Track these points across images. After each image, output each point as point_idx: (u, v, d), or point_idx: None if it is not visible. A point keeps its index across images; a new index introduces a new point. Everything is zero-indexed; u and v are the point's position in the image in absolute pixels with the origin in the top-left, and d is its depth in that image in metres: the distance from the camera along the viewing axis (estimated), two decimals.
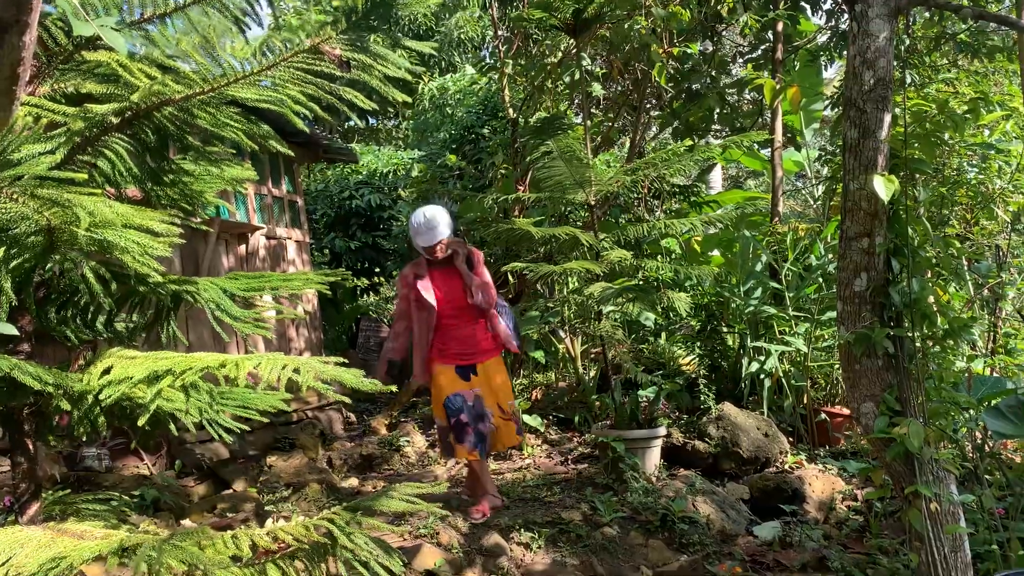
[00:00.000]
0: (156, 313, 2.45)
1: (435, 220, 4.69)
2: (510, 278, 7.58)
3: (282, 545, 2.15)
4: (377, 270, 11.68)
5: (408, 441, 6.77)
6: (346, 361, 1.65)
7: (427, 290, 4.75)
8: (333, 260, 10.91)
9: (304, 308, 7.95)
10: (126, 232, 1.70)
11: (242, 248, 7.13)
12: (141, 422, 1.82)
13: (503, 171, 9.04)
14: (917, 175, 3.82)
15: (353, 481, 6.01)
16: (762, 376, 6.88)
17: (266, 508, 5.10)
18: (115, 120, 2.10)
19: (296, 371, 1.56)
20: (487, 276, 4.90)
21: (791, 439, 6.55)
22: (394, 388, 1.87)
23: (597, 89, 9.39)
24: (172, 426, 2.11)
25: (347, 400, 1.94)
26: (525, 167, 7.64)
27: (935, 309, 3.66)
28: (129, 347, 2.24)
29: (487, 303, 4.81)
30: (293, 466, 6.15)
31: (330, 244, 10.89)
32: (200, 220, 6.34)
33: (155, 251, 1.77)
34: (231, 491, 5.50)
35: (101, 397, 1.83)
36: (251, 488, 5.60)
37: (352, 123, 16.81)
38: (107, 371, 1.90)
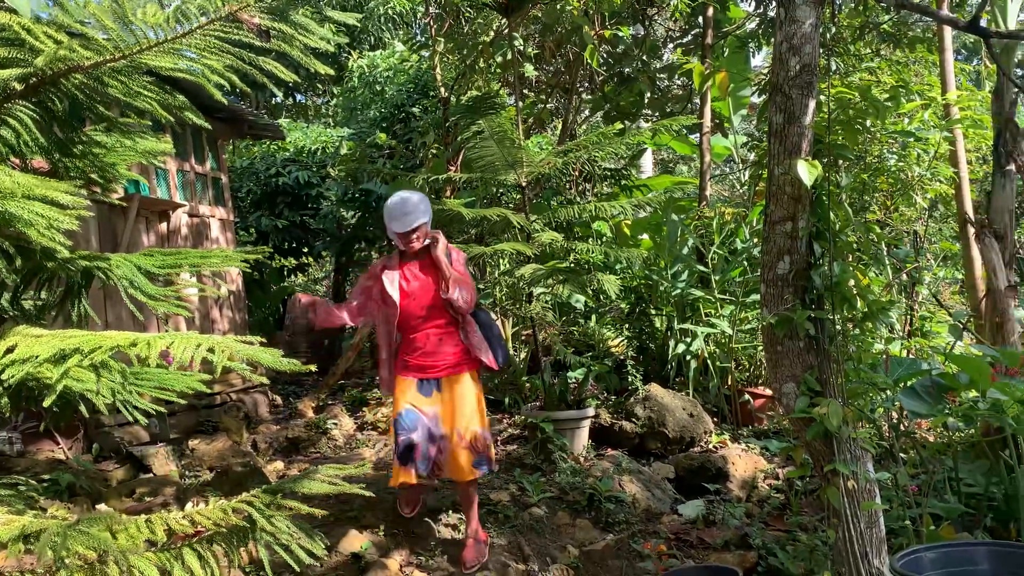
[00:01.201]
0: (66, 290, 2.35)
1: (412, 203, 4.06)
2: None
3: (200, 530, 2.10)
4: (305, 250, 11.48)
5: (336, 424, 6.69)
6: (264, 340, 1.61)
7: (391, 283, 4.11)
8: (259, 239, 10.68)
9: (228, 288, 7.77)
10: (29, 204, 1.61)
11: (163, 226, 6.92)
12: (48, 403, 1.74)
13: (434, 151, 8.97)
14: (840, 161, 3.91)
15: (278, 464, 5.92)
16: (688, 358, 7.00)
17: (187, 492, 4.99)
18: (19, 87, 2.00)
19: (211, 351, 1.51)
20: (468, 275, 4.23)
21: (716, 419, 6.69)
22: (313, 368, 1.83)
23: (530, 70, 9.38)
24: (84, 408, 2.03)
25: (266, 381, 1.89)
26: (456, 147, 7.58)
27: (855, 292, 3.75)
28: (37, 326, 2.15)
29: (465, 301, 4.07)
30: (216, 449, 6.03)
31: (256, 223, 10.65)
32: (118, 196, 6.16)
33: (61, 224, 1.69)
34: (151, 475, 5.37)
35: (4, 377, 1.74)
36: (172, 472, 5.46)
37: (279, 99, 16.46)
38: (11, 350, 1.81)
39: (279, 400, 7.90)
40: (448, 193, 7.73)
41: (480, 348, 4.19)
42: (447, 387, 4.14)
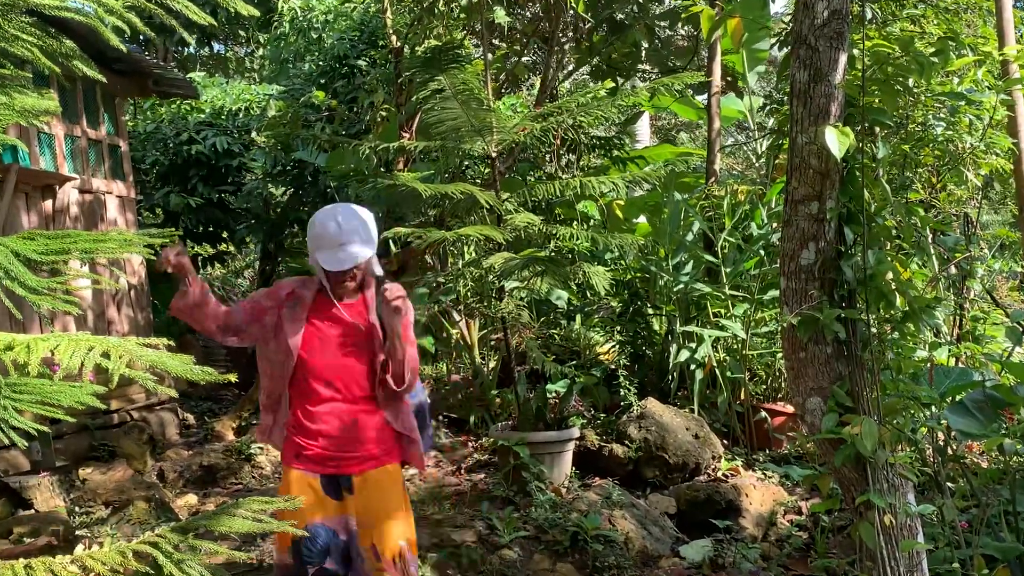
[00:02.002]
0: None
1: (352, 227, 3.31)
2: (392, 247, 7.51)
3: None
4: (224, 234, 11.39)
5: (261, 448, 6.66)
6: (172, 344, 1.59)
7: (294, 325, 3.35)
8: (167, 220, 10.56)
9: (129, 281, 7.70)
10: None
11: (48, 204, 6.85)
12: None
13: (384, 113, 8.93)
14: (876, 128, 3.94)
15: (191, 498, 5.89)
16: (693, 367, 7.04)
17: (77, 533, 4.95)
18: None
19: (106, 355, 1.49)
20: (413, 337, 3.48)
21: (725, 441, 6.74)
22: (233, 377, 1.81)
23: (501, 15, 9.34)
24: None
25: (174, 394, 1.87)
26: (412, 109, 7.55)
27: (893, 288, 3.80)
28: None
29: (410, 383, 3.41)
30: (114, 480, 5.99)
31: (163, 201, 10.53)
32: None
33: None
34: (32, 512, 5.32)
35: None
36: (59, 507, 5.42)
37: (192, 49, 16.30)
38: None
39: (191, 419, 7.85)
40: (401, 165, 7.71)
41: (412, 435, 3.47)
42: (361, 488, 3.33)
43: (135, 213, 8.07)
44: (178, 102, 11.11)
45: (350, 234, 3.30)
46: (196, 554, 2.05)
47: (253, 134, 11.16)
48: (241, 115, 11.43)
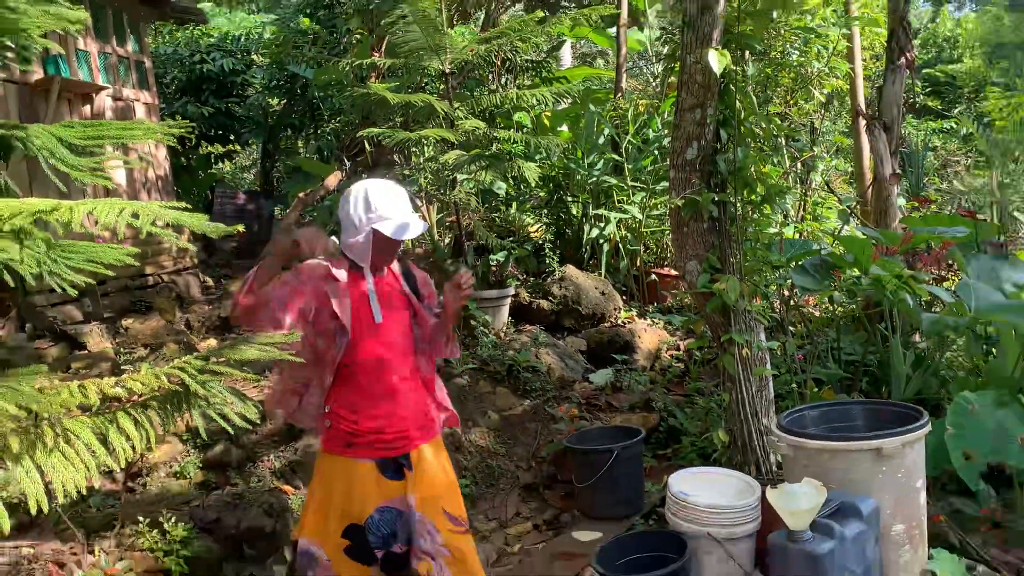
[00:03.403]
0: None
1: (408, 202, 2.63)
2: (367, 145, 7.32)
3: (135, 397, 2.05)
4: (232, 137, 11.01)
5: None
6: (189, 207, 1.54)
7: (342, 307, 2.54)
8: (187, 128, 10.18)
9: (156, 173, 7.43)
10: None
11: (87, 109, 6.51)
12: None
13: (359, 36, 8.58)
14: (747, 52, 3.89)
15: (212, 342, 5.83)
16: (601, 241, 7.08)
17: (123, 367, 4.89)
18: None
19: (135, 215, 1.43)
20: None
21: (625, 297, 6.84)
22: (240, 228, 1.76)
23: None
24: (9, 277, 1.92)
25: (191, 248, 1.82)
26: (381, 32, 7.26)
27: (755, 178, 3.82)
28: None
29: (452, 353, 2.83)
30: (151, 328, 5.90)
31: (182, 110, 10.11)
32: (38, 78, 5.71)
33: None
34: (86, 352, 5.23)
35: None
36: (107, 349, 5.33)
37: None
38: None
39: (211, 282, 7.72)
40: (373, 79, 7.45)
41: (448, 406, 2.82)
42: (419, 463, 2.60)
43: (159, 117, 7.72)
44: (191, 28, 10.58)
45: (407, 204, 2.61)
46: (216, 376, 2.02)
47: (253, 55, 10.69)
48: (243, 40, 10.92)
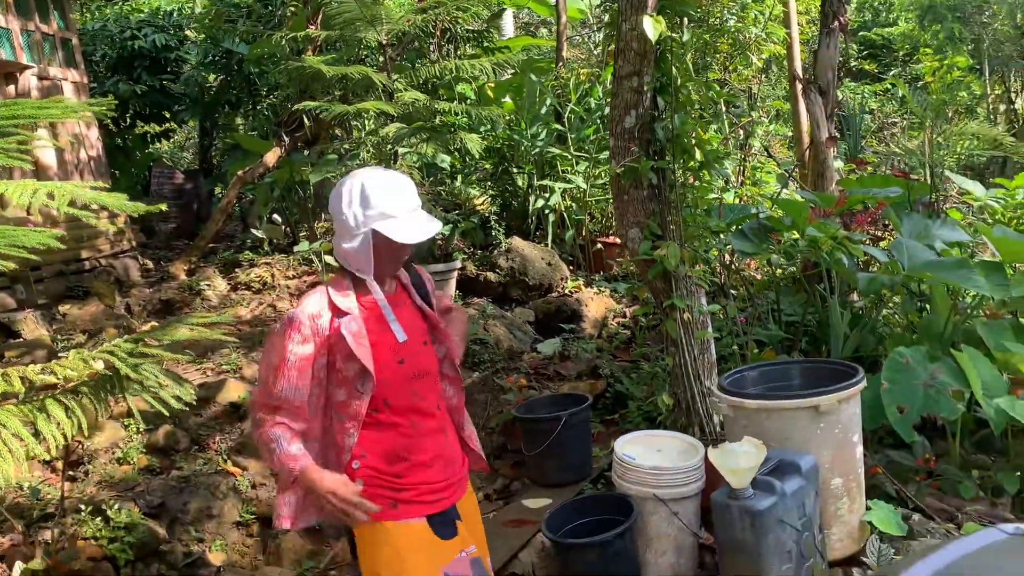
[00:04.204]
0: None
1: (414, 194, 2.09)
2: (306, 120, 7.20)
3: (65, 384, 2.01)
4: (167, 115, 10.73)
5: (209, 285, 6.47)
6: (108, 186, 1.49)
7: (360, 340, 2.01)
8: (118, 105, 9.86)
9: (88, 154, 7.20)
10: None
11: (11, 89, 6.26)
12: None
13: (293, 8, 8.39)
14: (683, 19, 3.90)
15: (153, 325, 5.72)
16: (547, 212, 7.10)
17: (60, 355, 4.76)
18: None
19: (51, 196, 1.39)
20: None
21: (571, 267, 6.88)
22: (163, 207, 1.72)
23: None
24: None
25: (119, 227, 1.77)
26: (316, 5, 7.11)
27: (694, 144, 3.85)
28: None
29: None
30: (89, 313, 5.76)
31: (113, 88, 9.79)
32: None
33: None
34: (20, 340, 5.08)
35: None
36: (43, 336, 5.19)
37: None
38: None
39: (150, 264, 7.55)
40: (310, 52, 7.30)
41: (475, 443, 2.32)
42: (465, 512, 2.18)
43: (88, 96, 7.48)
44: (120, 3, 10.23)
45: (414, 197, 2.07)
46: (148, 359, 1.99)
47: (186, 30, 10.39)
48: (175, 15, 10.61)
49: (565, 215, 7.03)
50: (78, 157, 6.99)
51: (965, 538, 1.36)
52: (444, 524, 2.05)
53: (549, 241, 6.98)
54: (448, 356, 2.22)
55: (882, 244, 5.29)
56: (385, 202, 1.98)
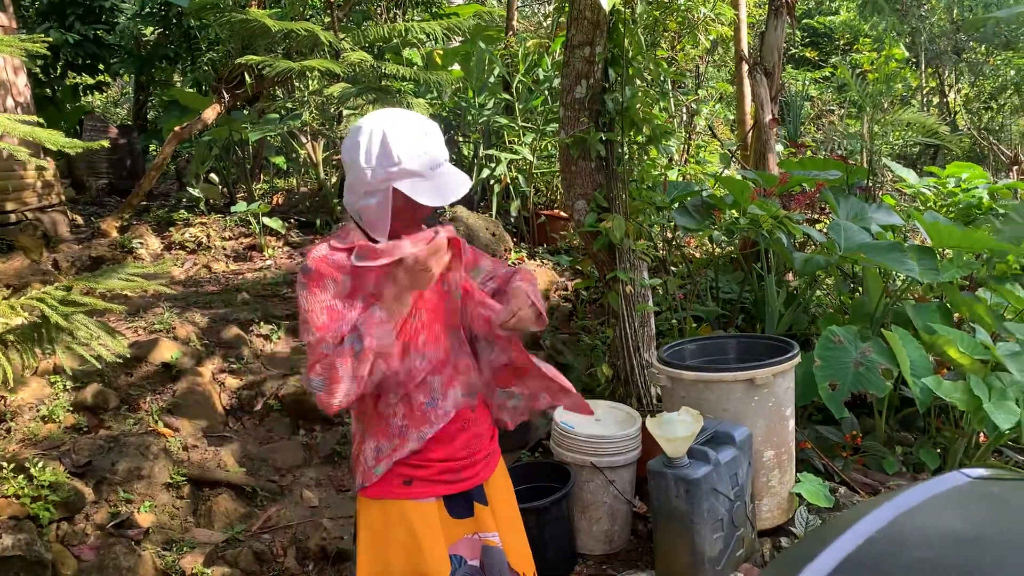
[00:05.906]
0: None
1: (442, 143, 1.75)
2: (247, 77, 6.99)
3: None
4: (101, 67, 10.28)
5: (141, 243, 6.27)
6: (42, 121, 1.41)
7: (381, 320, 1.69)
8: (50, 54, 9.42)
9: (16, 100, 6.86)
10: None
11: None
12: None
13: None
14: None
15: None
16: (492, 182, 7.05)
17: None
18: None
19: None
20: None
21: (515, 239, 6.86)
22: (105, 143, 1.64)
23: None
24: None
25: (47, 172, 1.69)
26: None
27: (642, 118, 3.86)
28: None
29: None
30: (13, 268, 5.52)
31: (44, 35, 9.36)
32: None
33: None
34: None
35: None
36: None
37: None
38: None
39: (80, 220, 7.27)
40: (254, 5, 7.08)
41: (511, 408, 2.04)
42: (494, 494, 1.97)
43: None
44: None
45: (443, 147, 1.74)
46: (80, 308, 1.91)
47: None
48: None
49: (511, 186, 7.00)
50: (4, 104, 6.66)
51: (928, 481, 1.40)
52: (458, 505, 1.87)
53: (494, 212, 6.95)
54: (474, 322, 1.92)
55: (818, 227, 5.42)
56: (410, 156, 1.65)
